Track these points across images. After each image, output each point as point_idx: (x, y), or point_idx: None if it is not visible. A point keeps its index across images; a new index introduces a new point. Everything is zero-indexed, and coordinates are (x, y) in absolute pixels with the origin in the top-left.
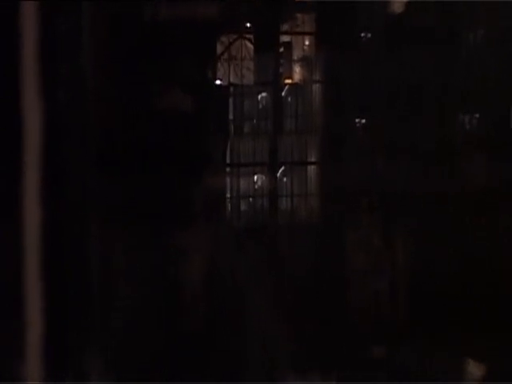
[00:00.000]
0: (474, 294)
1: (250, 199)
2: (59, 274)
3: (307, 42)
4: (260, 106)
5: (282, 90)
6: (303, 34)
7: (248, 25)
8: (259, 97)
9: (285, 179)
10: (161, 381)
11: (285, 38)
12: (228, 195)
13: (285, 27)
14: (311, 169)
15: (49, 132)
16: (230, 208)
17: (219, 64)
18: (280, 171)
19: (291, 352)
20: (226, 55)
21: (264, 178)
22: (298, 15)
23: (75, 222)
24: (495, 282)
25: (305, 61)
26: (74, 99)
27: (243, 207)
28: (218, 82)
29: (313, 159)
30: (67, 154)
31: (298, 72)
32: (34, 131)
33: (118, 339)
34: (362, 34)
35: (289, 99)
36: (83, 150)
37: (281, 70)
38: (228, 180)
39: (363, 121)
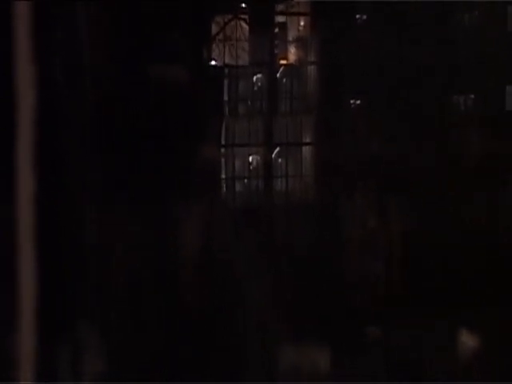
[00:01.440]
0: (472, 267)
1: (245, 180)
2: (53, 245)
3: (302, 23)
4: (255, 88)
5: (278, 71)
6: (298, 14)
7: (243, 5)
8: (254, 78)
9: (280, 160)
10: (155, 358)
11: (280, 19)
12: (223, 176)
13: (280, 8)
14: (306, 149)
15: (42, 104)
16: (224, 188)
17: (214, 45)
18: (275, 152)
19: (286, 324)
20: (220, 36)
21: (259, 158)
22: None
23: (70, 191)
24: (492, 255)
25: (300, 42)
26: (69, 71)
27: (238, 188)
28: (212, 62)
29: (308, 140)
30: (62, 126)
31: (293, 53)
32: (27, 99)
33: (113, 312)
34: (358, 16)
35: (284, 80)
36: (79, 124)
37: (276, 50)
38: (223, 161)
39: (358, 102)
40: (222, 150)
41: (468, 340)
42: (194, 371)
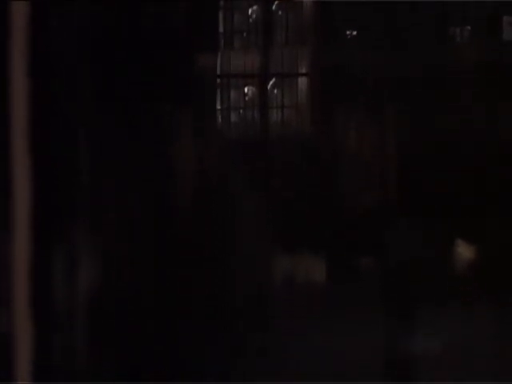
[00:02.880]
0: (468, 177)
1: (241, 111)
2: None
3: None
4: (250, 20)
5: (273, 3)
6: None
7: None
8: (249, 10)
9: (275, 91)
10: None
11: None
12: (218, 107)
13: None
14: (302, 80)
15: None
16: (220, 119)
17: None
18: (271, 83)
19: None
20: None
21: (254, 89)
22: None
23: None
24: (491, 166)
25: None
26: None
27: (234, 119)
28: None
29: (303, 71)
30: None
31: None
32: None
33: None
34: None
35: (279, 12)
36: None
37: None
38: (218, 91)
39: (354, 32)
40: (218, 80)
41: (464, 251)
42: (187, 282)
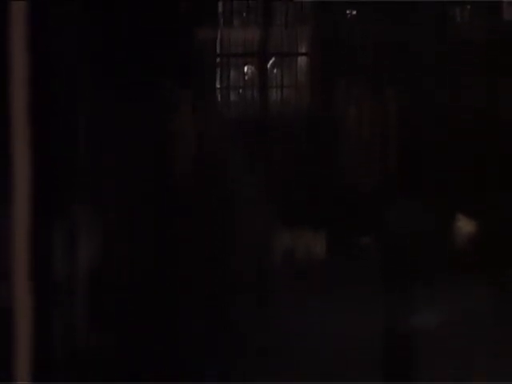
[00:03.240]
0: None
1: (240, 90)
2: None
3: None
4: None
5: None
6: None
7: None
8: None
9: (275, 70)
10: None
11: None
12: (218, 86)
13: None
14: (301, 59)
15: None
16: (220, 98)
17: None
18: (270, 62)
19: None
20: None
21: (254, 68)
22: None
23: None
24: (493, 137)
25: None
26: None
27: (233, 98)
28: None
29: (303, 50)
30: None
31: None
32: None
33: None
34: None
35: None
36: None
37: None
38: (218, 71)
39: (354, 12)
40: (217, 59)
41: (465, 225)
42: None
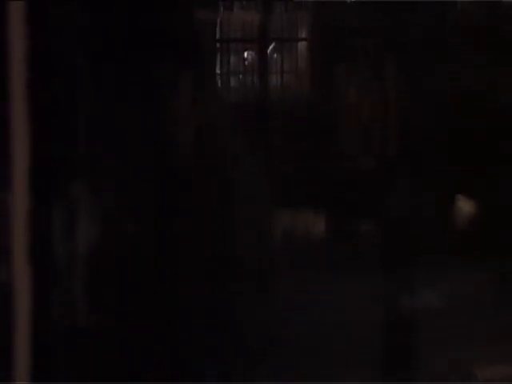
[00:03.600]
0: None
1: (240, 75)
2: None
3: None
4: None
5: None
6: None
7: None
8: None
9: (275, 55)
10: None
11: None
12: (218, 71)
13: None
14: (301, 45)
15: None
16: (220, 84)
17: None
18: (270, 47)
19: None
20: None
21: (254, 54)
22: None
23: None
24: (492, 117)
25: None
26: None
27: (233, 83)
28: None
29: (303, 35)
30: None
31: None
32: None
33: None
34: None
35: None
36: None
37: None
38: (218, 56)
39: None
40: (217, 44)
41: (465, 206)
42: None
